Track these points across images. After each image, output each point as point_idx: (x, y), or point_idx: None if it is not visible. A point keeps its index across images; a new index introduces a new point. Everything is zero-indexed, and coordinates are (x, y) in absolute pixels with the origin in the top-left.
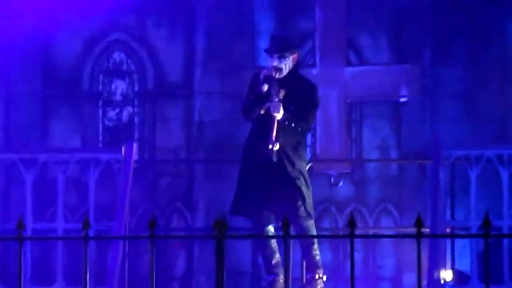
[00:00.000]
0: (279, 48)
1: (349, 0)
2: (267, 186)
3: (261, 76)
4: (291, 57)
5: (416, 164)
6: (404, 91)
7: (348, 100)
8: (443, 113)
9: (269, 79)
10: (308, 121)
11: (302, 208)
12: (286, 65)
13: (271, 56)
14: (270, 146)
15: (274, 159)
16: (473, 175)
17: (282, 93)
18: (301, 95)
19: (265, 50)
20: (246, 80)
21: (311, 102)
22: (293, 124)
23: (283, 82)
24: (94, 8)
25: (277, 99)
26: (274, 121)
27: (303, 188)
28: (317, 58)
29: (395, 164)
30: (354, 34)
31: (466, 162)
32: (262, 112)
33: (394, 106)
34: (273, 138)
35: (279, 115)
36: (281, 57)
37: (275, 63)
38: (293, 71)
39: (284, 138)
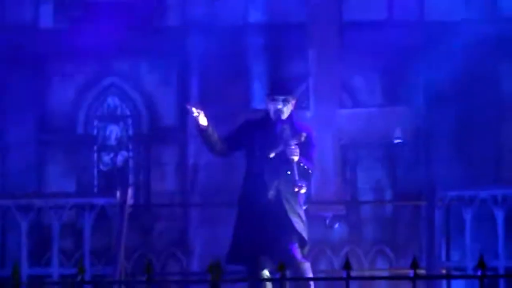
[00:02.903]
0: (285, 92)
1: (343, 42)
2: (264, 229)
3: (274, 119)
4: (292, 101)
5: (411, 205)
6: (398, 133)
7: (342, 142)
8: (437, 154)
9: (280, 123)
10: (314, 163)
11: (298, 251)
12: (288, 109)
13: (275, 99)
14: (297, 190)
15: (282, 202)
16: (468, 216)
17: (303, 137)
18: (300, 137)
19: (271, 93)
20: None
21: (312, 145)
22: (305, 167)
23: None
24: (87, 53)
25: (294, 143)
26: (294, 165)
27: (300, 231)
28: (311, 101)
29: (390, 206)
30: (348, 76)
31: (460, 203)
32: (271, 156)
33: (388, 147)
34: (298, 182)
35: (296, 158)
36: (285, 101)
37: (279, 106)
38: (290, 114)
39: (285, 183)
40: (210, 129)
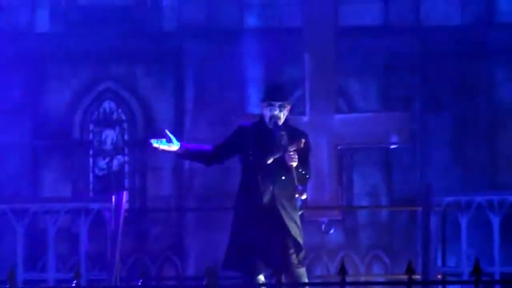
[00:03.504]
0: (281, 97)
1: (339, 48)
2: (259, 235)
3: (271, 126)
4: (288, 107)
5: (407, 210)
6: (394, 138)
7: (339, 147)
8: (433, 160)
9: (278, 129)
10: (310, 167)
11: (294, 256)
12: (284, 114)
13: (271, 105)
14: (297, 195)
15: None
16: (463, 222)
17: (302, 143)
18: (299, 144)
19: (266, 99)
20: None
21: (308, 150)
22: (303, 172)
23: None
24: (83, 58)
25: (292, 149)
26: (293, 171)
27: (296, 237)
28: (307, 106)
29: (385, 211)
30: (344, 82)
31: (456, 208)
32: (269, 162)
33: (384, 153)
34: (299, 187)
35: (295, 164)
36: (281, 106)
37: (276, 112)
38: (285, 119)
39: (281, 188)
40: (184, 150)
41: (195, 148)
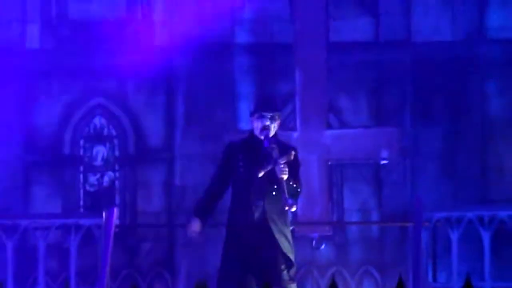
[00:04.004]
0: (272, 108)
1: (329, 63)
2: (251, 251)
3: (262, 137)
4: (278, 120)
5: (398, 226)
6: (384, 153)
7: (329, 163)
8: (423, 175)
9: (268, 141)
10: (300, 182)
11: (285, 272)
12: (275, 127)
13: (263, 116)
14: (287, 208)
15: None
16: (454, 237)
17: (292, 155)
18: (289, 156)
19: (257, 110)
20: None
21: (298, 164)
22: (294, 185)
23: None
24: (73, 73)
25: (282, 162)
26: (283, 184)
27: (287, 252)
28: (298, 121)
29: (376, 226)
30: (334, 97)
31: (447, 224)
32: (260, 175)
33: (374, 168)
34: (288, 200)
35: (285, 177)
36: (272, 118)
37: (267, 123)
38: (275, 134)
39: (271, 203)
40: (206, 216)
41: (207, 205)
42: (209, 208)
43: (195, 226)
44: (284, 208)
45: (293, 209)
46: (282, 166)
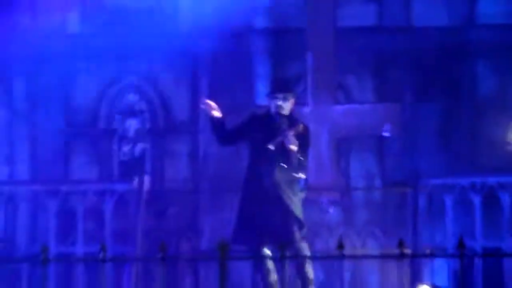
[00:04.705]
0: (283, 90)
1: (338, 46)
2: (265, 214)
3: (273, 111)
4: (291, 100)
5: (398, 192)
6: (387, 127)
7: (337, 136)
8: (421, 146)
9: (280, 116)
10: (308, 157)
11: (297, 233)
12: (287, 106)
13: (276, 97)
14: (296, 176)
15: (278, 189)
16: (449, 201)
17: (300, 127)
18: (300, 135)
19: (271, 91)
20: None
21: (308, 141)
22: (302, 158)
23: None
24: (109, 55)
25: (292, 133)
26: (292, 154)
27: (298, 216)
28: (309, 98)
29: (379, 192)
30: (342, 76)
31: (442, 189)
32: (271, 147)
33: (378, 140)
34: (298, 170)
35: (295, 147)
36: (284, 98)
37: (279, 103)
38: (290, 113)
39: (281, 173)
40: (220, 120)
41: (223, 123)
42: (222, 123)
43: (217, 113)
44: (293, 179)
45: (302, 176)
46: (290, 137)
